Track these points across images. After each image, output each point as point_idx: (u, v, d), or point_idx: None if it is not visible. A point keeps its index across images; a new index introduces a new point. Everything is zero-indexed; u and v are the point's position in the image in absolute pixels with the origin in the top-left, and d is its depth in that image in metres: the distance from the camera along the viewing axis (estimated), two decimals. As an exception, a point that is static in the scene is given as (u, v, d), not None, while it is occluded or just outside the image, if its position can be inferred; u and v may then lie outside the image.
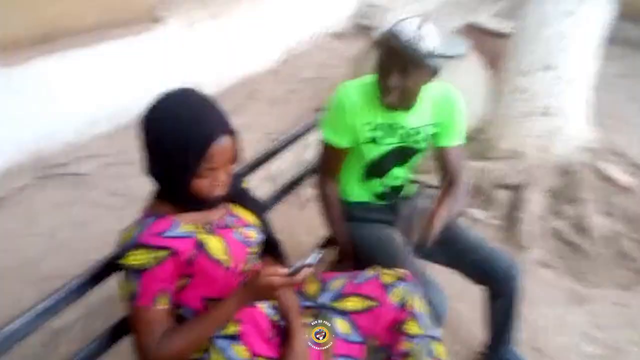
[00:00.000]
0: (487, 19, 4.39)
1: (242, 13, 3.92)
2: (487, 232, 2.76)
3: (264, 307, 1.29)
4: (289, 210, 2.72)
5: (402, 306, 1.37)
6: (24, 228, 2.30)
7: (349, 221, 1.80)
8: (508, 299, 1.75)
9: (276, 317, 1.31)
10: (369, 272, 1.45)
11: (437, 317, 1.50)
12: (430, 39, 1.47)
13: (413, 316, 1.37)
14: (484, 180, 3.13)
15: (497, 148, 3.22)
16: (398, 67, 1.48)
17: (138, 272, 1.09)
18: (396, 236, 1.76)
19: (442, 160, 1.77)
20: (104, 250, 1.20)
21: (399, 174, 1.76)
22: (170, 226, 1.12)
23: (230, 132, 1.12)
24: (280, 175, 2.63)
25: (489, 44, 3.75)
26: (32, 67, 2.57)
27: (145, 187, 1.20)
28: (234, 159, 1.16)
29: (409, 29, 1.46)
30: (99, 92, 2.95)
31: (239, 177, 1.41)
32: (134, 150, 3.13)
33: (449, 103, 1.70)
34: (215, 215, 1.23)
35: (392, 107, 1.59)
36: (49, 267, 2.13)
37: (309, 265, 1.15)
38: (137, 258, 1.08)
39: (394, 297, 1.37)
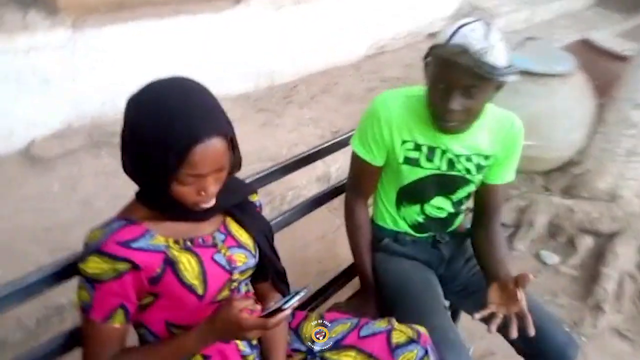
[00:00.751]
0: (606, 37, 3.83)
1: (330, 2, 3.72)
2: (557, 282, 2.39)
3: (240, 343, 1.09)
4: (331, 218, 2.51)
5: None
6: (64, 191, 2.29)
7: (376, 252, 1.56)
8: None
9: (252, 357, 1.11)
10: (381, 324, 1.20)
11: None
12: (500, 50, 1.18)
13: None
14: (568, 220, 2.73)
15: (590, 186, 2.79)
16: (462, 87, 1.20)
17: (93, 282, 0.93)
18: (431, 282, 1.49)
19: (484, 197, 1.50)
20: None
21: (442, 205, 1.48)
22: (140, 236, 0.95)
23: (223, 134, 0.92)
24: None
25: (603, 66, 3.25)
26: (103, 33, 2.55)
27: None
28: (224, 166, 0.96)
29: (475, 39, 1.17)
30: (168, 65, 2.90)
31: (248, 186, 1.22)
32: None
33: (512, 136, 1.42)
34: (203, 229, 1.04)
35: (448, 132, 1.32)
36: (78, 235, 2.09)
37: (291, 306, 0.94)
38: (94, 266, 0.92)
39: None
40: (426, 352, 1.13)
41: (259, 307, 0.95)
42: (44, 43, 2.37)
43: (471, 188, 1.47)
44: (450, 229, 1.56)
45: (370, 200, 1.57)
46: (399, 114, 1.37)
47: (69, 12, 2.45)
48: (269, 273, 1.21)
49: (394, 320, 1.20)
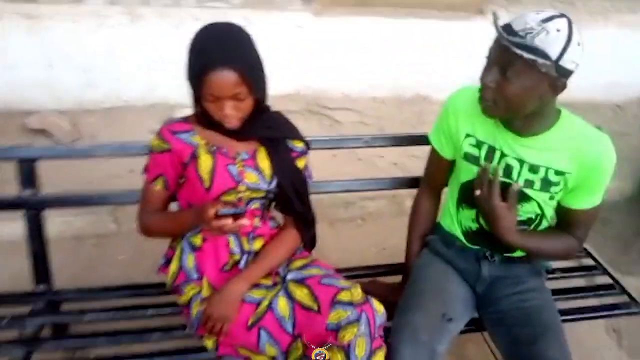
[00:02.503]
0: None
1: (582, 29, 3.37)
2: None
3: (232, 242, 1.38)
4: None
5: (335, 330, 1.20)
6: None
7: (426, 247, 1.58)
8: None
9: (237, 257, 1.38)
10: (344, 282, 1.31)
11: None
12: (555, 39, 1.11)
13: (341, 349, 1.19)
14: None
15: None
16: (499, 63, 1.18)
17: (151, 152, 1.37)
18: (446, 288, 1.44)
19: (565, 220, 1.40)
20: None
21: None
22: (184, 131, 1.35)
23: (234, 67, 1.20)
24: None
25: None
26: (341, 23, 3.04)
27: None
28: (240, 95, 1.24)
29: (530, 19, 1.13)
30: (381, 62, 3.22)
31: (291, 130, 1.45)
32: (393, 124, 3.31)
33: (591, 154, 1.27)
34: (234, 146, 1.36)
35: (486, 113, 1.28)
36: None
37: (237, 215, 1.19)
38: (153, 141, 1.36)
39: (333, 316, 1.22)
40: (358, 318, 1.19)
41: (244, 221, 1.22)
42: (296, 22, 3.00)
43: (534, 207, 1.35)
44: (507, 253, 1.46)
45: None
46: (467, 107, 1.38)
47: (321, 2, 3.02)
48: (289, 209, 1.44)
49: (358, 286, 1.28)
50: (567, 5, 3.60)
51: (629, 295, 1.76)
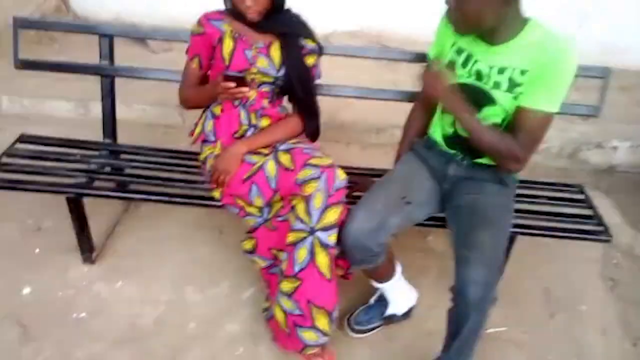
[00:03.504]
0: None
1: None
2: None
3: (243, 115, 1.73)
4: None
5: (301, 184, 1.52)
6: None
7: (411, 150, 1.81)
8: (462, 318, 1.47)
9: (245, 127, 1.74)
10: (320, 153, 1.61)
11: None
12: None
13: (303, 198, 1.51)
14: None
15: None
16: None
17: (191, 34, 1.73)
18: (412, 181, 1.68)
19: (515, 123, 1.51)
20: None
21: None
22: (217, 19, 1.69)
23: None
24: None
25: None
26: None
27: None
28: None
29: None
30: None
31: (304, 29, 1.72)
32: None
33: (550, 52, 1.41)
34: (255, 37, 1.69)
35: (455, 31, 1.48)
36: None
37: (241, 80, 1.52)
38: (193, 26, 1.72)
39: (301, 173, 1.54)
40: (319, 176, 1.51)
41: (245, 89, 1.57)
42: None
43: (497, 111, 1.53)
44: (480, 159, 1.65)
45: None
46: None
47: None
48: (296, 97, 1.76)
49: (329, 157, 1.58)
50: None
51: (606, 228, 1.87)
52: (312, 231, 1.53)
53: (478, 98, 1.53)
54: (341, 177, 1.56)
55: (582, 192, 2.05)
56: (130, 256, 2.14)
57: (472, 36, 1.51)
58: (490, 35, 1.46)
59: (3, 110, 2.98)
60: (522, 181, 1.90)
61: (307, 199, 1.52)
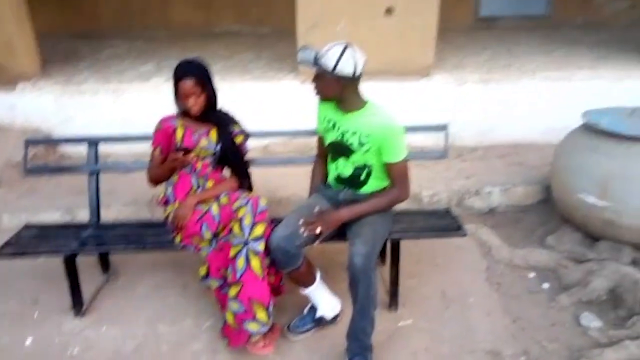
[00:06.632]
0: None
1: (517, 85, 4.31)
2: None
3: (193, 180, 2.46)
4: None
5: (235, 211, 2.22)
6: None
7: (316, 191, 2.56)
8: (355, 282, 2.11)
9: (195, 188, 2.48)
10: (246, 193, 2.34)
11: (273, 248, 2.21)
12: (332, 57, 2.11)
13: (238, 220, 2.20)
14: (632, 292, 2.61)
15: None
16: (315, 73, 2.22)
17: (155, 132, 2.52)
18: (317, 203, 2.39)
19: (388, 174, 2.31)
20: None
21: (344, 165, 2.36)
22: (172, 118, 2.50)
23: (193, 78, 2.35)
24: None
25: None
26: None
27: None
28: (198, 94, 2.37)
29: (323, 50, 2.14)
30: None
31: (231, 119, 2.55)
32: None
33: (381, 129, 2.21)
34: (199, 127, 2.49)
35: (320, 100, 2.32)
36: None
37: (187, 151, 2.29)
38: (156, 125, 2.52)
39: (235, 204, 2.26)
40: (247, 203, 2.22)
41: (190, 156, 2.35)
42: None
43: (358, 157, 2.31)
44: (362, 191, 2.39)
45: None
46: (328, 105, 2.41)
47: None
48: (230, 164, 2.52)
49: (256, 194, 2.30)
50: (504, 68, 4.60)
51: (461, 227, 2.61)
52: (246, 242, 2.18)
53: (344, 150, 2.32)
54: (263, 202, 2.26)
55: (447, 212, 2.79)
56: (112, 309, 2.69)
57: (332, 106, 2.35)
58: (342, 105, 2.29)
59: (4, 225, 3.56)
60: (401, 212, 2.64)
61: (240, 220, 2.21)
